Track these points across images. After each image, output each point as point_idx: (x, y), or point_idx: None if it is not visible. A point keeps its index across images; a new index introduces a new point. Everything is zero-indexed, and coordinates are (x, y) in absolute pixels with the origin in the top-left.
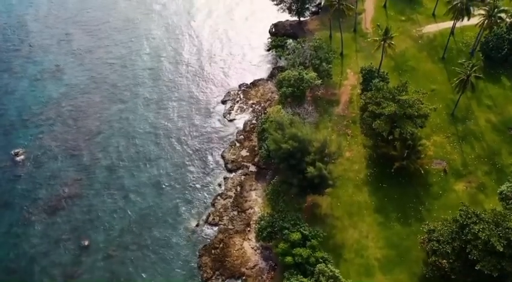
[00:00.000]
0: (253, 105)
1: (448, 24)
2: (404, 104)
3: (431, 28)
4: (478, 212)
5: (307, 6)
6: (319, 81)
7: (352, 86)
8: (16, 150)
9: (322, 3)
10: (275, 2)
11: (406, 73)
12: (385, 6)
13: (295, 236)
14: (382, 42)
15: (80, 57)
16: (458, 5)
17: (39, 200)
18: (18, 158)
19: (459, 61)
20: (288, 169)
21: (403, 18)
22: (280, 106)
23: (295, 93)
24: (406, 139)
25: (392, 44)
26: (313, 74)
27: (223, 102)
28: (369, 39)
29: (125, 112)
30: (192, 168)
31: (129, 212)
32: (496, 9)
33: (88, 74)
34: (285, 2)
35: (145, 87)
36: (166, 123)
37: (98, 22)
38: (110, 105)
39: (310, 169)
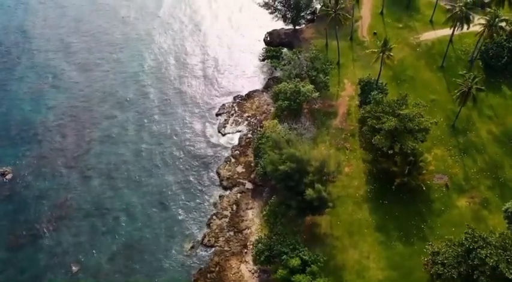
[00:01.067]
0: (249, 118)
1: (446, 31)
2: (404, 118)
3: (429, 35)
4: (485, 236)
5: (302, 14)
6: (317, 94)
7: (350, 97)
8: (2, 170)
9: (318, 11)
10: (269, 11)
11: (404, 83)
12: (382, 13)
13: (295, 261)
14: (381, 54)
15: (70, 71)
16: (458, 13)
17: (27, 222)
18: (5, 178)
19: (460, 72)
20: (285, 190)
21: (401, 25)
22: (276, 120)
23: (291, 107)
24: (407, 154)
25: (391, 55)
26: (310, 87)
27: (218, 115)
28: (367, 51)
29: (115, 128)
30: (186, 186)
31: (121, 234)
32: (497, 19)
33: (77, 89)
34: (279, 10)
35: (137, 103)
36: (158, 138)
37: (88, 34)
38: (99, 120)
39: (309, 192)
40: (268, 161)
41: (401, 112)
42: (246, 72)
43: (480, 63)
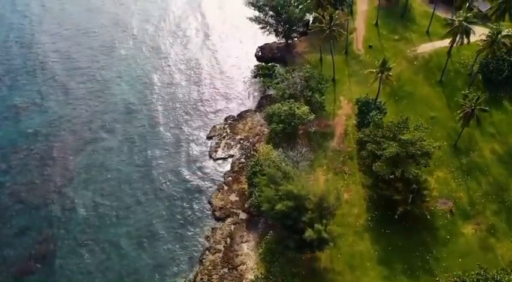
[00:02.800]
0: (242, 141)
1: (443, 42)
2: (406, 143)
3: (426, 47)
4: (499, 278)
5: (294, 28)
6: (312, 117)
7: (347, 116)
8: None
9: (310, 22)
10: (260, 26)
11: (403, 99)
12: (376, 24)
13: None
14: (380, 74)
15: (51, 91)
16: (458, 27)
17: (6, 263)
18: None
19: (463, 92)
20: (282, 228)
21: (396, 37)
22: (270, 146)
23: (286, 130)
24: (410, 181)
25: (390, 75)
26: (306, 109)
27: (209, 138)
28: (365, 72)
29: (101, 154)
30: (176, 218)
31: (107, 273)
32: (499, 36)
33: (60, 110)
34: (270, 24)
35: (123, 126)
36: (146, 165)
37: (67, 52)
38: (84, 145)
39: (309, 232)
40: (263, 199)
41: (402, 137)
42: (238, 90)
43: (480, 76)
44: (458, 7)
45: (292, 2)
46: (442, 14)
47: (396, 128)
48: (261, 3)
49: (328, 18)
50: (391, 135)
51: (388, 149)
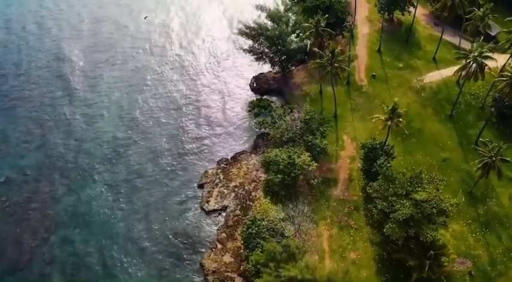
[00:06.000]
0: (236, 189)
1: (452, 70)
2: (421, 203)
3: (434, 76)
4: None
5: (291, 61)
6: (315, 166)
7: (351, 158)
8: None
9: (308, 47)
10: (255, 57)
11: (411, 137)
12: (379, 50)
13: None
14: (389, 122)
15: (25, 130)
16: (472, 64)
17: None
18: None
19: (481, 139)
20: None
21: (401, 65)
22: (268, 200)
23: (285, 181)
24: (426, 246)
25: (400, 121)
26: (307, 157)
27: (200, 186)
28: (373, 120)
29: (80, 206)
30: None
31: None
32: None
33: (33, 154)
34: (265, 53)
35: (105, 171)
36: (129, 221)
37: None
38: (61, 196)
39: None
40: None
41: (417, 197)
42: (231, 128)
43: (493, 110)
44: (466, 31)
45: (289, 31)
46: (448, 37)
47: (409, 184)
48: (254, 32)
49: (329, 54)
50: (404, 193)
51: (401, 210)
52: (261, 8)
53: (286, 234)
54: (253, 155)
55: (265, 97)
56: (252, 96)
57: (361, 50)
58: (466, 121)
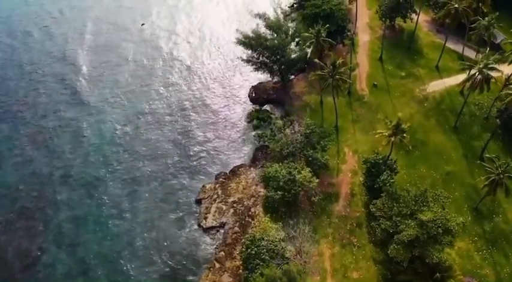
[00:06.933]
0: (235, 205)
1: (455, 79)
2: (427, 223)
3: (437, 85)
4: None
5: (291, 70)
6: (316, 182)
7: (352, 172)
8: None
9: (308, 55)
10: (254, 67)
11: (414, 150)
12: (380, 58)
13: None
14: (392, 138)
15: (18, 145)
16: (478, 76)
17: None
18: None
19: (487, 155)
20: None
21: (403, 73)
22: (267, 218)
23: (285, 198)
24: (432, 267)
25: (404, 137)
26: (307, 173)
27: (198, 201)
28: (376, 136)
29: (70, 224)
30: None
31: None
32: None
33: (20, 171)
34: (265, 63)
35: (98, 187)
36: (122, 239)
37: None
38: (52, 215)
39: None
40: None
41: (422, 218)
42: (229, 140)
43: (498, 121)
44: (471, 40)
45: (289, 40)
46: (451, 45)
47: (414, 203)
48: (253, 42)
49: (330, 65)
50: (408, 212)
51: (406, 230)
52: (260, 16)
53: (286, 256)
54: (252, 168)
55: (264, 107)
56: (250, 107)
57: (362, 58)
58: (470, 133)
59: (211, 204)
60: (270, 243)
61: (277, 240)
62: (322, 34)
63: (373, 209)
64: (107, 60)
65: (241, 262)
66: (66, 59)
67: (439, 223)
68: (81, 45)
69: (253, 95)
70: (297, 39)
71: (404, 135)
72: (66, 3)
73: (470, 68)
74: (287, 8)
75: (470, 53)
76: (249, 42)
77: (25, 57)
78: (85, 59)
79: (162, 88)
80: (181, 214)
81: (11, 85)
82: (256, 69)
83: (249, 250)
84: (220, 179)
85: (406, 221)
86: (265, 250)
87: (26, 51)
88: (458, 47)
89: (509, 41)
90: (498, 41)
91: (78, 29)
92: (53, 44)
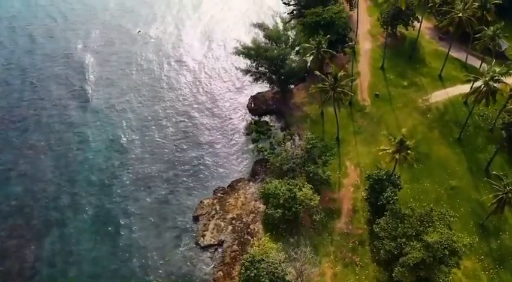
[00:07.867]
0: (233, 221)
1: (458, 89)
2: (433, 246)
3: (440, 95)
4: None
5: (291, 80)
6: (317, 200)
7: (355, 187)
8: None
9: (309, 64)
10: (252, 78)
11: (418, 163)
12: (382, 67)
13: None
14: (397, 155)
15: (8, 159)
16: (484, 88)
17: None
18: None
19: (494, 172)
20: None
21: (405, 83)
22: (267, 237)
23: (286, 216)
24: None
25: (409, 153)
26: (309, 191)
27: (195, 218)
28: (380, 153)
29: (64, 241)
30: None
31: None
32: None
33: (11, 187)
34: (264, 74)
35: (94, 200)
36: (118, 259)
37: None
38: (45, 231)
39: None
40: None
41: (428, 240)
42: (228, 153)
43: (503, 133)
44: (475, 49)
45: (288, 50)
46: (454, 53)
47: (419, 223)
48: (252, 52)
49: (331, 78)
50: (414, 233)
51: (412, 253)
52: (259, 26)
53: (287, 279)
54: (251, 182)
55: (263, 119)
56: (250, 118)
57: (364, 67)
58: (475, 145)
59: (209, 221)
60: (270, 266)
61: (277, 262)
62: (323, 45)
63: (377, 229)
64: (110, 66)
65: (239, 280)
66: (69, 63)
67: (445, 244)
68: (85, 49)
69: (252, 105)
70: (297, 48)
71: (409, 151)
72: (68, 7)
73: (476, 80)
74: (286, 15)
75: (473, 62)
76: (248, 52)
77: (27, 61)
78: (90, 63)
79: (157, 99)
80: (178, 231)
81: (14, 88)
82: (256, 80)
83: (248, 272)
84: (219, 194)
85: (412, 243)
86: (265, 272)
87: (29, 55)
88: (461, 55)
89: None
90: (502, 49)
91: (82, 32)
92: (55, 47)
